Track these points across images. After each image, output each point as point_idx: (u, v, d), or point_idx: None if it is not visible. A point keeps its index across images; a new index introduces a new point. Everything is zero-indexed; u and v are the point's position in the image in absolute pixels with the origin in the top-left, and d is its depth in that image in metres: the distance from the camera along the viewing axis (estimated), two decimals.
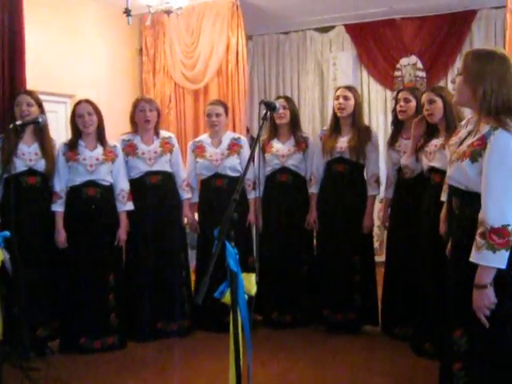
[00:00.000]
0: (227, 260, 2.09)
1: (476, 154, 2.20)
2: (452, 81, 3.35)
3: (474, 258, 2.16)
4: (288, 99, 4.70)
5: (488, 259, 2.11)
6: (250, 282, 2.17)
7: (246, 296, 2.18)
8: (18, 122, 3.31)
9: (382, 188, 4.48)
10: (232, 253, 2.08)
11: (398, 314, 4.19)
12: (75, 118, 4.14)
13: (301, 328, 4.54)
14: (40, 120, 3.55)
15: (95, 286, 4.14)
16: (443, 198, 3.18)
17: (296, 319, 4.59)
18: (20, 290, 3.86)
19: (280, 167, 4.58)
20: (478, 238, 2.14)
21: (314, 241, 4.70)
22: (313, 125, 7.32)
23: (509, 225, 2.09)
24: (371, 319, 4.46)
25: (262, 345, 4.26)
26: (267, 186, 4.64)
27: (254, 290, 2.19)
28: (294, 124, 4.64)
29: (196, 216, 4.68)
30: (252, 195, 4.61)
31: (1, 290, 3.85)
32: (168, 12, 5.40)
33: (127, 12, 4.95)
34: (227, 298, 2.10)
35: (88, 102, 4.18)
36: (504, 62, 2.25)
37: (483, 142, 2.19)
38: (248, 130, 6.82)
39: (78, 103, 4.19)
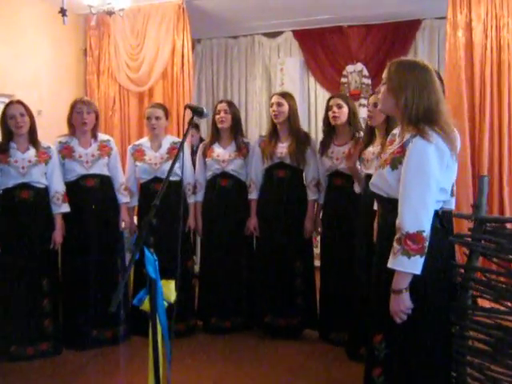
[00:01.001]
0: (146, 267, 2.05)
1: (396, 161, 2.24)
2: (377, 90, 3.40)
3: (390, 263, 2.19)
4: (230, 103, 4.68)
5: (403, 265, 2.14)
6: (169, 289, 2.14)
7: (166, 303, 2.14)
8: None
9: None
10: (151, 259, 2.05)
11: (334, 319, 4.23)
12: (6, 120, 4.02)
13: (240, 333, 4.52)
14: None
15: (28, 291, 4.03)
16: (375, 206, 3.22)
17: (235, 325, 4.57)
18: None
19: (220, 172, 4.55)
20: (394, 243, 2.17)
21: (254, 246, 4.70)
22: (259, 129, 7.33)
23: (424, 231, 2.13)
24: (311, 324, 4.48)
25: (200, 351, 4.25)
26: (208, 190, 4.61)
27: (173, 297, 2.15)
28: (236, 129, 4.62)
29: (135, 220, 4.62)
30: (192, 199, 4.58)
31: None
32: (110, 13, 5.32)
33: (62, 12, 4.84)
34: (146, 306, 2.07)
35: (19, 102, 4.07)
36: (425, 72, 2.29)
37: (403, 149, 2.23)
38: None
39: (9, 104, 4.07)
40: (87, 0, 5.22)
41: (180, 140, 4.68)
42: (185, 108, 2.45)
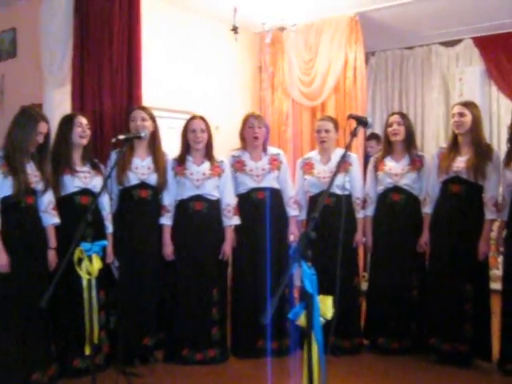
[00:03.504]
0: (303, 281, 2.00)
1: None
2: None
3: None
4: (403, 115, 4.52)
5: None
6: (326, 305, 2.06)
7: (323, 319, 2.07)
8: (121, 137, 3.44)
9: None
10: (308, 273, 1.99)
11: None
12: (187, 133, 4.25)
13: (408, 355, 4.30)
14: (142, 135, 3.67)
15: (199, 299, 4.20)
16: None
17: (404, 346, 4.35)
18: (123, 299, 4.03)
19: (393, 186, 4.39)
20: None
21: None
22: (437, 142, 6.98)
23: None
24: (483, 353, 4.10)
25: (364, 370, 4.12)
26: (378, 205, 4.47)
27: (329, 313, 2.07)
28: (409, 141, 4.45)
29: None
30: (361, 215, 4.47)
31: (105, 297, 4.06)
32: (282, 29, 5.42)
33: (234, 29, 5.02)
34: (302, 321, 2.02)
35: (202, 118, 4.30)
36: None
37: None
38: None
39: (192, 118, 4.31)
40: (260, 18, 5.36)
41: (350, 154, 4.61)
42: (348, 118, 2.38)
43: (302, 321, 2.04)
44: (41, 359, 3.69)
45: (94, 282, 3.10)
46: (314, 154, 4.61)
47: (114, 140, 3.50)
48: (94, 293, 3.10)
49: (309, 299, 2.01)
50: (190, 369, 4.12)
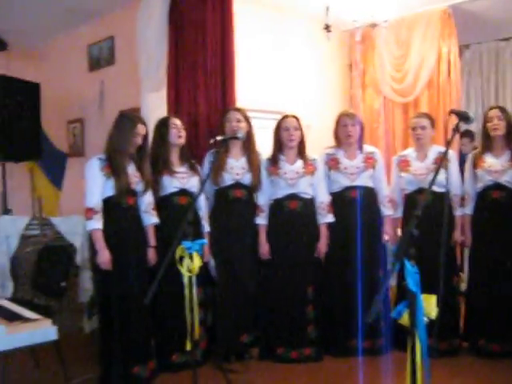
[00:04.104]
0: (406, 279, 1.98)
1: None
2: None
3: None
4: (503, 109, 4.33)
5: None
6: (430, 305, 2.02)
7: (426, 319, 2.03)
8: (219, 138, 3.52)
9: None
10: (411, 272, 1.97)
11: None
12: (280, 131, 4.28)
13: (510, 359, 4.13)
14: (239, 136, 3.73)
15: (294, 297, 4.22)
16: None
17: (506, 349, 4.18)
18: (221, 297, 4.11)
19: (493, 183, 4.23)
20: None
21: None
22: None
23: None
24: None
25: (464, 372, 3.99)
26: (478, 203, 4.32)
27: (434, 313, 2.03)
28: (510, 137, 4.26)
29: (399, 232, 4.53)
30: (459, 212, 4.34)
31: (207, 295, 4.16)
32: (374, 25, 5.35)
33: (327, 28, 5.01)
34: (405, 320, 1.99)
35: (294, 117, 4.33)
36: None
37: None
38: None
39: (285, 117, 4.34)
40: (352, 15, 5.32)
41: (449, 150, 4.48)
42: (449, 113, 2.32)
43: (404, 320, 2.01)
44: (141, 354, 3.83)
45: (194, 279, 3.17)
46: (410, 151, 4.52)
47: (212, 141, 3.59)
48: (194, 290, 3.18)
49: (412, 298, 1.98)
50: (284, 367, 4.15)
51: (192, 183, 4.11)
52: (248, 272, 4.24)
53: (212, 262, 4.18)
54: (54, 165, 6.48)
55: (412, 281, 1.98)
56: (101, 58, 6.39)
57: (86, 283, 4.89)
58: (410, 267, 1.98)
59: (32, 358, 4.19)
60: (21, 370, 4.09)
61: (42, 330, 2.91)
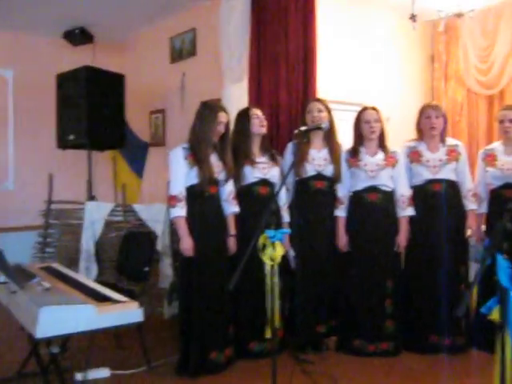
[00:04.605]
0: (498, 274, 1.92)
1: None
2: None
3: None
4: None
5: None
6: None
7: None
8: (303, 128, 3.51)
9: None
10: (503, 266, 1.91)
11: None
12: (360, 124, 4.24)
13: None
14: (323, 126, 3.72)
15: (373, 290, 4.18)
16: None
17: None
18: (301, 287, 4.12)
19: None
20: None
21: None
22: None
23: None
24: None
25: None
26: None
27: None
28: None
29: (483, 227, 4.40)
30: None
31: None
32: (459, 15, 5.20)
33: (413, 18, 4.90)
34: (495, 315, 1.94)
35: (374, 109, 4.27)
36: None
37: None
38: None
39: (364, 109, 4.29)
40: (437, 5, 5.19)
41: None
42: None
43: (494, 315, 1.95)
44: (219, 340, 3.90)
45: (276, 268, 3.19)
46: (496, 145, 4.37)
47: (296, 131, 3.58)
48: (276, 278, 3.19)
49: (503, 293, 1.92)
50: (360, 360, 4.12)
51: (273, 173, 4.14)
52: (327, 262, 4.23)
53: (291, 252, 4.19)
54: (136, 154, 6.66)
55: (504, 276, 1.92)
56: (183, 49, 6.52)
57: (167, 270, 5.02)
58: (503, 262, 1.92)
59: (114, 339, 4.35)
60: (103, 350, 4.24)
61: (129, 312, 2.98)
